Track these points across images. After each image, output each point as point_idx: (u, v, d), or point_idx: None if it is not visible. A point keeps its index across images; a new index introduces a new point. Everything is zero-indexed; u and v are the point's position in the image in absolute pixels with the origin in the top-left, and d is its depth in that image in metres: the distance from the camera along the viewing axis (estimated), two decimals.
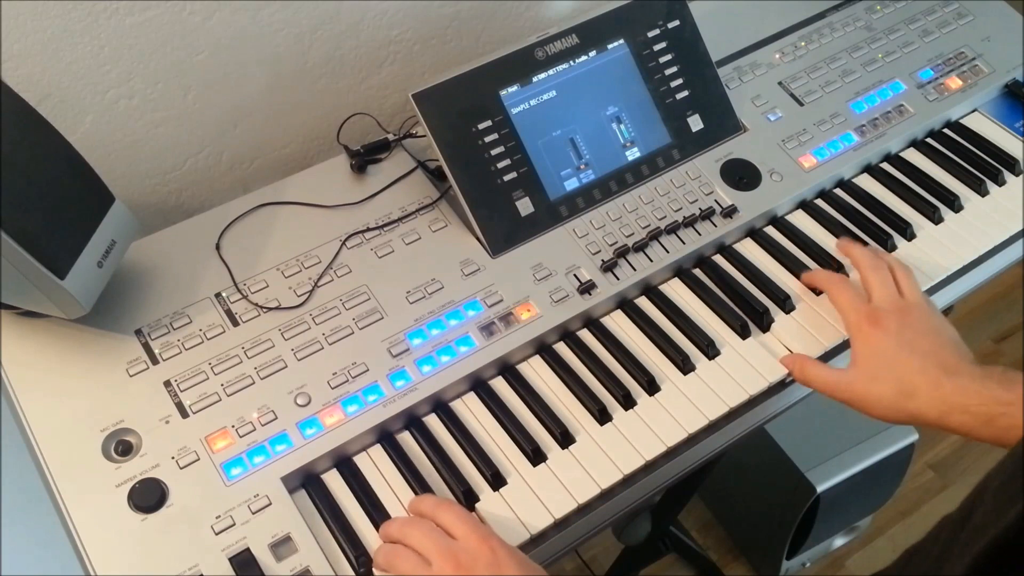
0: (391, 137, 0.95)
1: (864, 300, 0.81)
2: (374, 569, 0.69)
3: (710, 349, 0.83)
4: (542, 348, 0.84)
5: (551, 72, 0.90)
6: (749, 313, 0.86)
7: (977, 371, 0.73)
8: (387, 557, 0.68)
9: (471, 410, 0.79)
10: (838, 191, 0.99)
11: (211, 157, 0.99)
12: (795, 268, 0.90)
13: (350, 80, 1.04)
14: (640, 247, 0.88)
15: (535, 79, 0.89)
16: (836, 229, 0.94)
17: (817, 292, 0.88)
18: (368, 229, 0.87)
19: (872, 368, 0.76)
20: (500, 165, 0.87)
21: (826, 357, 0.85)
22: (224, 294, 0.81)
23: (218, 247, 0.84)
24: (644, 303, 0.88)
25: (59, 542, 0.68)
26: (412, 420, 0.78)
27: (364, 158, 0.92)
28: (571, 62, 0.91)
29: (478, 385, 0.81)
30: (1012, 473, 0.49)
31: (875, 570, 0.59)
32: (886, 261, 0.84)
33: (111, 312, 0.78)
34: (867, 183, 1.00)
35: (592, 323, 0.86)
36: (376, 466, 0.75)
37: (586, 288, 0.85)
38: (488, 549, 0.65)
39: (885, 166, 1.01)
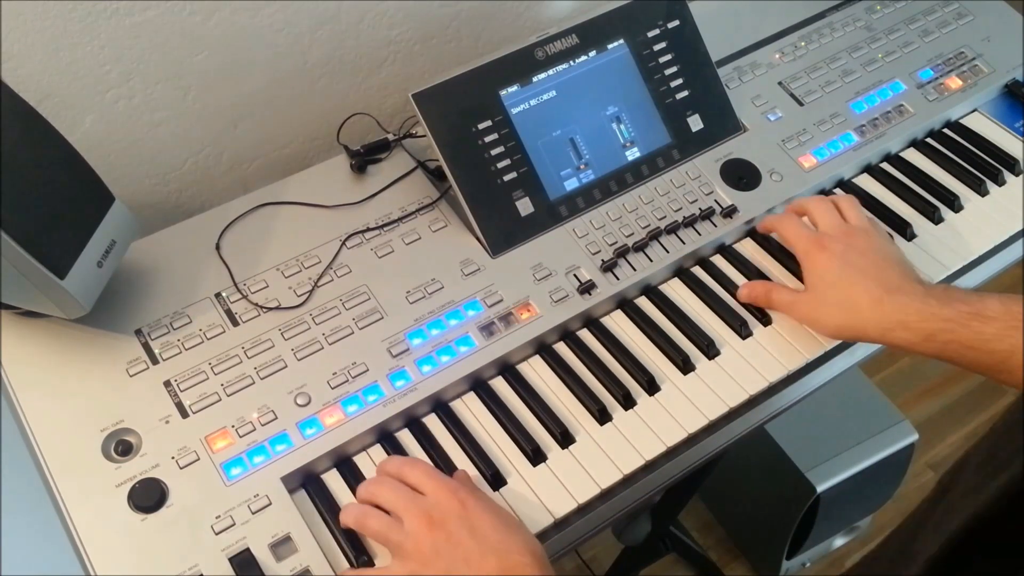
0: (391, 137, 0.95)
1: (811, 230, 0.85)
2: (342, 523, 0.69)
3: (710, 349, 0.83)
4: (542, 348, 0.84)
5: (551, 72, 0.90)
6: (749, 313, 0.86)
7: (919, 288, 0.77)
8: (357, 518, 0.68)
9: (471, 410, 0.79)
10: (838, 191, 0.99)
11: (211, 157, 0.99)
12: (796, 268, 0.90)
13: (350, 80, 1.04)
14: (640, 247, 0.88)
15: (535, 79, 0.89)
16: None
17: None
18: (368, 229, 0.87)
19: (820, 289, 0.81)
20: (500, 165, 0.87)
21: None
22: (224, 294, 0.81)
23: (218, 247, 0.84)
24: (644, 303, 0.88)
25: (59, 542, 0.68)
26: (412, 420, 0.78)
27: (364, 158, 0.92)
28: (571, 62, 0.91)
29: (478, 385, 0.81)
30: (990, 452, 0.49)
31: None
32: (829, 198, 0.89)
33: (111, 312, 0.78)
34: (867, 183, 1.00)
35: (592, 323, 0.86)
36: (376, 466, 0.75)
37: (586, 288, 0.85)
38: (458, 502, 0.66)
39: (885, 166, 1.01)
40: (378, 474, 0.72)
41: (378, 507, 0.68)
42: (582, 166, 0.91)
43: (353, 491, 0.73)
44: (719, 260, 0.92)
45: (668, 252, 0.89)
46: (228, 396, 0.75)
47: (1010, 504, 0.45)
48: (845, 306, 0.78)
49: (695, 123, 0.96)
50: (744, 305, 0.87)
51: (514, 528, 0.66)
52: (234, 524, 0.68)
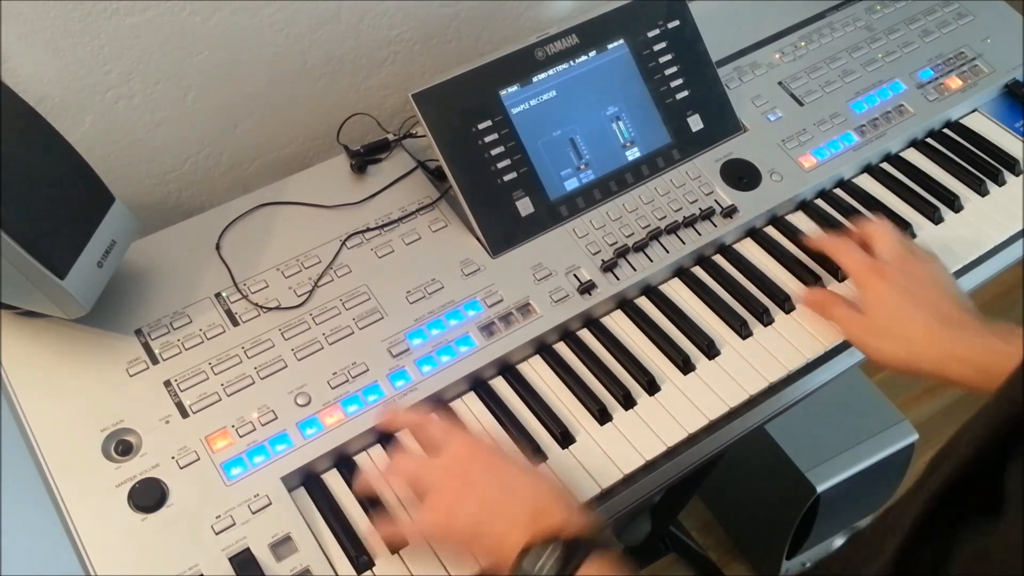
0: (391, 137, 0.95)
1: (868, 257, 0.83)
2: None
3: (710, 349, 0.83)
4: (542, 348, 0.84)
5: (551, 72, 0.90)
6: (749, 313, 0.86)
7: (978, 323, 0.75)
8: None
9: (471, 410, 0.79)
10: (838, 191, 0.99)
11: (211, 157, 0.99)
12: (795, 268, 0.90)
13: (350, 80, 1.04)
14: (640, 247, 0.88)
15: (535, 79, 0.89)
16: (836, 229, 0.94)
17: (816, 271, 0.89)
18: (368, 229, 0.87)
19: (877, 317, 0.79)
20: (500, 165, 0.87)
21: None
22: (224, 294, 0.81)
23: (218, 247, 0.84)
24: (644, 303, 0.88)
25: (59, 542, 0.68)
26: None
27: (364, 158, 0.92)
28: (571, 62, 0.91)
29: (478, 385, 0.81)
30: (978, 423, 0.49)
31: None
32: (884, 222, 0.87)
33: (111, 312, 0.78)
34: (867, 183, 1.00)
35: (592, 323, 0.86)
36: (376, 466, 0.75)
37: (586, 288, 0.85)
38: (482, 451, 0.68)
39: (885, 166, 1.01)
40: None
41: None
42: (582, 166, 0.91)
43: (353, 491, 0.73)
44: (719, 260, 0.92)
45: (668, 252, 0.89)
46: (228, 396, 0.75)
47: (981, 469, 0.45)
48: (901, 338, 0.77)
49: (695, 123, 0.96)
50: (745, 305, 0.87)
51: (541, 478, 0.67)
52: (234, 524, 0.68)
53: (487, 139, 0.87)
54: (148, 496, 0.68)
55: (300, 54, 0.97)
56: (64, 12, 0.80)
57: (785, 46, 1.06)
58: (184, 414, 0.74)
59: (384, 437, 0.77)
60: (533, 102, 0.89)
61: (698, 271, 0.91)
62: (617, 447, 0.77)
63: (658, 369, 0.82)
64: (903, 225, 0.94)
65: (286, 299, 0.81)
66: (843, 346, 0.85)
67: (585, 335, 0.85)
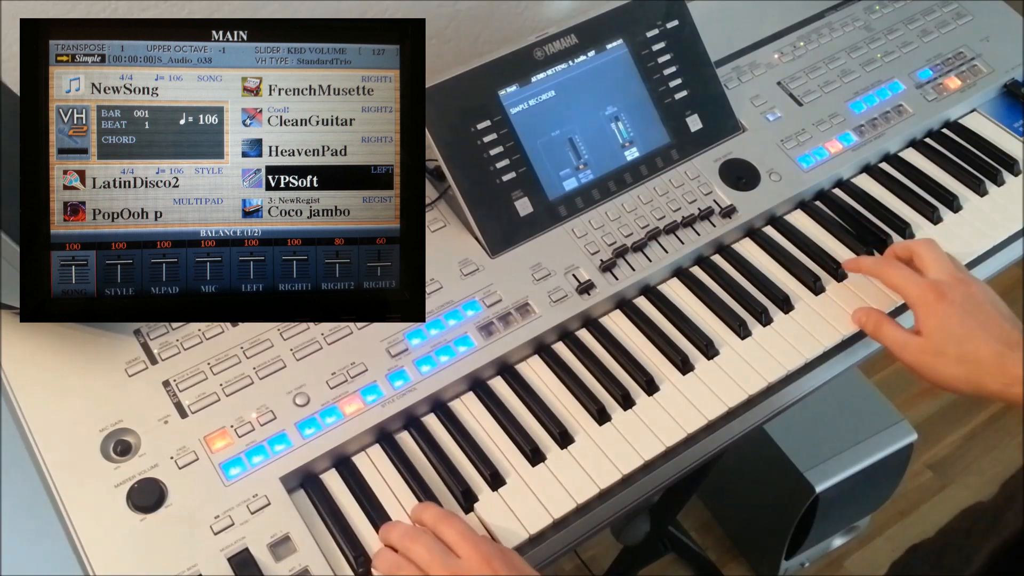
0: None
1: (918, 275, 0.82)
2: (373, 570, 0.69)
3: (709, 349, 0.83)
4: (541, 348, 0.84)
5: (550, 72, 0.90)
6: (748, 313, 0.86)
7: None
8: (388, 568, 0.67)
9: (470, 410, 0.79)
10: (837, 191, 0.99)
11: None
12: (794, 268, 0.90)
13: None
14: (639, 247, 0.88)
15: (534, 79, 0.89)
16: (835, 229, 0.94)
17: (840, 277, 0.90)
18: None
19: (940, 340, 0.78)
20: (499, 165, 0.87)
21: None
22: None
23: None
24: (643, 303, 0.88)
25: (59, 542, 0.68)
26: (411, 420, 0.78)
27: None
28: (570, 62, 0.91)
29: (477, 385, 0.81)
30: None
31: (874, 571, 0.59)
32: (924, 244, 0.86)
33: None
34: (866, 183, 1.00)
35: (591, 323, 0.86)
36: (375, 466, 0.76)
37: (585, 288, 0.85)
38: (490, 571, 0.65)
39: (884, 166, 1.01)
40: (413, 521, 0.71)
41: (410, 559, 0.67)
42: (581, 166, 0.91)
43: (352, 491, 0.73)
44: (718, 260, 0.92)
45: (667, 252, 0.89)
46: (227, 396, 0.75)
47: None
48: (966, 360, 0.76)
49: (694, 123, 0.96)
50: (744, 305, 0.87)
51: None
52: (233, 524, 0.68)
53: (486, 139, 0.87)
54: (147, 496, 0.68)
55: None
56: (64, 12, 0.80)
57: (784, 46, 1.06)
58: (183, 414, 0.74)
59: (383, 437, 0.77)
60: (532, 102, 0.89)
61: (697, 271, 0.91)
62: (616, 447, 0.77)
63: (657, 369, 0.82)
64: (902, 225, 0.94)
65: None
66: (842, 346, 0.85)
67: (584, 335, 0.85)
